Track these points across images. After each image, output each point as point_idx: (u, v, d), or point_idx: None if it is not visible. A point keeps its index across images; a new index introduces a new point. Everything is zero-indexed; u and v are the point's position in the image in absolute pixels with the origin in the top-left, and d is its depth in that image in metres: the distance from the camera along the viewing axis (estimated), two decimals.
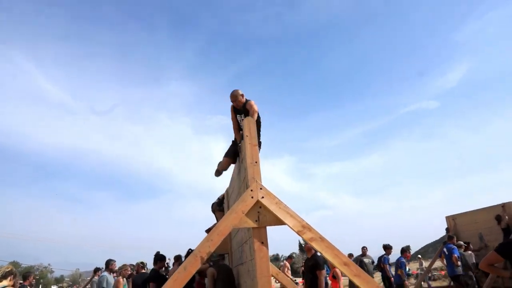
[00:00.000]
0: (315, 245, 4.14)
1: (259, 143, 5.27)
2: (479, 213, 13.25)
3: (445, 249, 10.01)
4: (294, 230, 4.19)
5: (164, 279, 6.98)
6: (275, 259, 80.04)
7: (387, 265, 10.94)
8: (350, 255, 13.04)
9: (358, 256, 12.50)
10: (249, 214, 4.13)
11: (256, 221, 4.13)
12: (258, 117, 5.38)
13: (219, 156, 5.94)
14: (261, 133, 5.52)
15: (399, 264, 10.60)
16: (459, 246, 10.17)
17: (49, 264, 72.35)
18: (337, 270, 8.46)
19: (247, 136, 4.42)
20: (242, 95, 5.57)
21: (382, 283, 11.81)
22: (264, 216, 4.16)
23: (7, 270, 6.60)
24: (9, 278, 6.11)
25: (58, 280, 74.91)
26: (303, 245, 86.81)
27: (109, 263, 9.18)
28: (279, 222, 4.18)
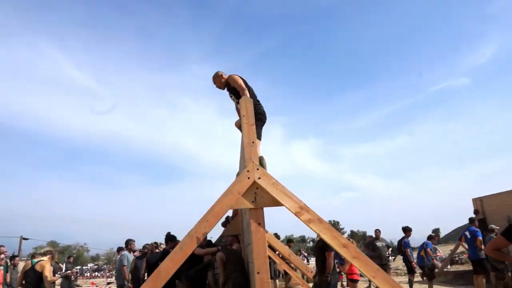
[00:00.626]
0: (313, 226, 4.03)
1: (260, 117, 5.02)
2: (508, 195, 12.70)
3: (467, 232, 9.65)
4: (292, 212, 4.09)
5: None
6: (302, 240, 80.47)
7: (408, 249, 10.69)
8: (370, 237, 12.87)
9: (372, 239, 12.35)
10: (246, 195, 4.06)
11: (252, 202, 4.06)
12: (249, 88, 5.11)
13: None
14: (261, 105, 5.19)
15: (425, 246, 10.35)
16: (491, 230, 9.83)
17: (85, 244, 75.47)
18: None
19: (243, 115, 4.32)
20: (221, 75, 5.36)
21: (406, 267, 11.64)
22: (261, 197, 4.08)
23: (48, 250, 7.25)
24: (48, 256, 6.90)
25: (94, 259, 78.31)
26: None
27: (128, 243, 9.44)
28: (276, 203, 4.09)
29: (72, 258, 16.53)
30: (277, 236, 12.64)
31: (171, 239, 6.97)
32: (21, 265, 8.38)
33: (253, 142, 4.24)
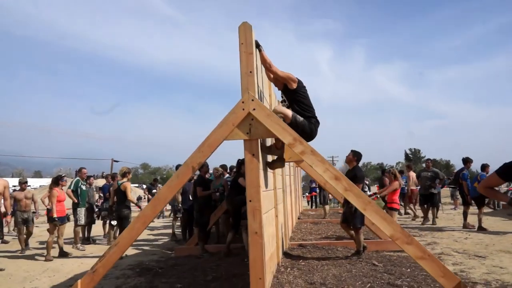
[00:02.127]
0: (305, 158, 3.97)
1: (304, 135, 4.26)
2: None
3: None
4: (285, 143, 4.05)
5: (208, 184, 7.54)
6: (380, 167, 79.19)
7: (466, 181, 10.04)
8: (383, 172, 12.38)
9: (421, 169, 11.97)
10: (240, 126, 4.07)
11: (247, 133, 4.06)
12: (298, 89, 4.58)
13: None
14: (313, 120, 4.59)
15: (479, 178, 9.66)
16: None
17: (173, 165, 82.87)
18: (396, 182, 8.04)
19: (242, 43, 4.15)
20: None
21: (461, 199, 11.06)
22: (255, 129, 4.06)
23: (125, 170, 8.21)
24: (127, 176, 7.87)
25: None
26: (409, 155, 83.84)
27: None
28: (270, 134, 4.06)
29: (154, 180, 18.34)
30: None
31: (202, 166, 7.35)
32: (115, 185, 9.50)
33: (250, 72, 4.11)
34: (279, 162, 5.08)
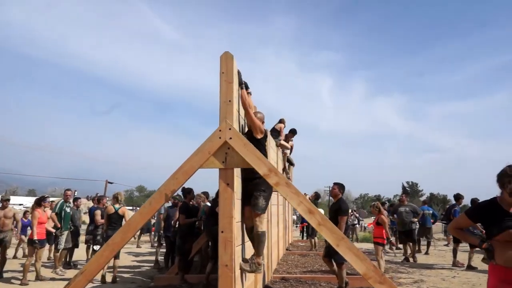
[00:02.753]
0: (280, 190, 3.91)
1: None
2: None
3: None
4: (260, 173, 3.99)
5: (192, 211, 7.42)
6: (377, 199, 78.76)
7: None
8: (392, 205, 12.25)
9: (397, 204, 11.75)
10: (217, 154, 4.03)
11: (223, 162, 4.02)
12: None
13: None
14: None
15: (452, 213, 9.55)
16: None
17: None
18: (382, 216, 7.96)
19: (223, 73, 4.17)
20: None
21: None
22: (231, 158, 4.02)
23: (115, 196, 8.17)
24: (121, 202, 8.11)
25: None
26: (407, 188, 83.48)
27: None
28: (246, 164, 4.01)
29: None
30: (317, 195, 12.51)
31: (188, 192, 7.27)
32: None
33: (229, 101, 4.11)
34: None
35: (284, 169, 10.26)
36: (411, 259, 10.55)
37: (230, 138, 4.00)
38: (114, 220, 7.74)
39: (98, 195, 13.79)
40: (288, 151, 10.05)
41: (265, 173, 3.92)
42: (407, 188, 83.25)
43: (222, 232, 3.86)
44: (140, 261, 10.92)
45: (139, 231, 13.29)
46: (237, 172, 4.25)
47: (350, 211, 20.89)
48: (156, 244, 10.60)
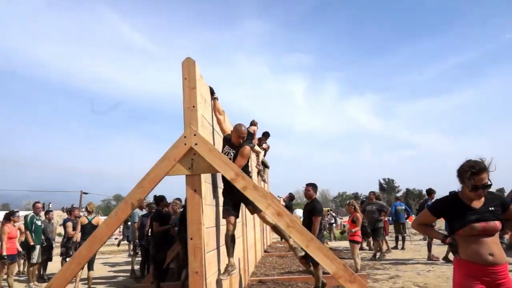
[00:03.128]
0: (247, 194, 3.89)
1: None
2: None
3: None
4: (227, 178, 3.97)
5: (165, 218, 7.31)
6: (355, 197, 79.79)
7: None
8: (362, 202, 12.42)
9: (366, 203, 11.89)
10: (183, 161, 3.98)
11: (189, 168, 3.97)
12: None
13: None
14: None
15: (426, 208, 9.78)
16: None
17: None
18: (357, 214, 8.05)
19: (185, 78, 4.13)
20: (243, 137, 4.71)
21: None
22: (197, 164, 3.98)
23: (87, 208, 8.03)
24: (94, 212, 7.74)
25: None
26: (383, 184, 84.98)
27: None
28: (213, 169, 3.98)
29: None
30: (292, 196, 12.55)
31: (161, 199, 7.18)
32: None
33: (193, 107, 4.07)
34: None
35: (259, 173, 10.26)
36: (378, 255, 10.67)
37: (196, 144, 3.95)
38: (88, 231, 7.56)
39: (73, 206, 13.53)
40: (262, 154, 10.06)
41: (232, 178, 3.90)
42: (383, 185, 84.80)
43: (191, 239, 3.80)
44: (116, 271, 10.71)
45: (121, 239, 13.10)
46: (204, 178, 4.22)
47: (327, 210, 21.14)
48: (132, 253, 10.41)
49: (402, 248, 12.56)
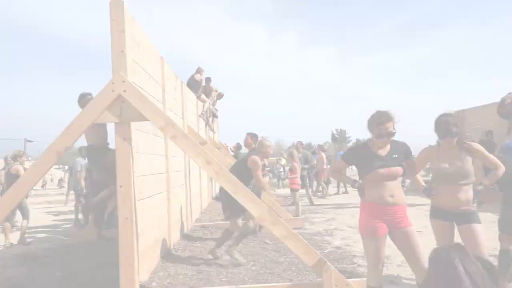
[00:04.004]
0: (177, 143, 3.90)
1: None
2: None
3: None
4: (157, 127, 3.95)
5: None
6: (308, 146, 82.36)
7: None
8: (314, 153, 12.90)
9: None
10: (111, 108, 3.87)
11: (118, 116, 3.89)
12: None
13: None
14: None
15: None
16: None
17: None
18: (294, 163, 8.39)
19: (113, 20, 3.93)
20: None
21: None
22: (126, 112, 3.89)
23: (16, 153, 7.60)
24: (18, 160, 7.48)
25: None
26: (336, 135, 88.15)
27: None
28: (142, 118, 3.92)
29: None
30: (239, 146, 12.71)
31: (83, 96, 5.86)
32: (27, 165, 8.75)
33: (122, 51, 3.93)
34: None
35: (207, 123, 10.26)
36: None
37: (125, 91, 3.85)
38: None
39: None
40: (208, 103, 9.99)
41: (161, 126, 3.88)
42: (336, 135, 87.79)
43: (121, 187, 3.81)
44: (61, 220, 10.61)
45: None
46: (136, 126, 4.19)
47: (276, 159, 21.72)
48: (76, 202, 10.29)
49: (337, 194, 13.40)
